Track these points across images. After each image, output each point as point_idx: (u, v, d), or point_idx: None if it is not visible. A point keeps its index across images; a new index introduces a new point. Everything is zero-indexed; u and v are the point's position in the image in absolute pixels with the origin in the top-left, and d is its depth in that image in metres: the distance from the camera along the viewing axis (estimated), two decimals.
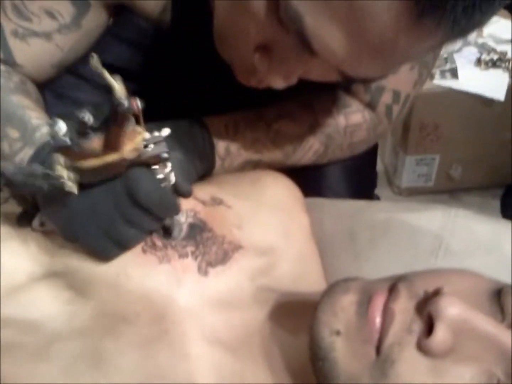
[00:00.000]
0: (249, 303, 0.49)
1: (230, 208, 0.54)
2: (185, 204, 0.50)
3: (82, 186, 0.43)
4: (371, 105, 0.67)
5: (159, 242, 0.48)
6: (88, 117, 0.38)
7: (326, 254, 0.60)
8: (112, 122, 0.39)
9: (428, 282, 0.39)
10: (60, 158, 0.41)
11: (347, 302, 0.39)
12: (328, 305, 0.40)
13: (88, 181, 0.43)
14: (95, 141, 0.40)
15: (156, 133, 0.45)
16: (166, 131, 0.46)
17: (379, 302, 0.38)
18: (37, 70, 0.62)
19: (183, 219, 0.50)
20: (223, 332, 0.46)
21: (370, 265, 0.58)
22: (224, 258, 0.49)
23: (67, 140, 0.39)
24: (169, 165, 0.47)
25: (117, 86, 0.37)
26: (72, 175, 0.41)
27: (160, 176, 0.46)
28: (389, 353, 0.36)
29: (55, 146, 0.40)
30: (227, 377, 0.44)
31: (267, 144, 0.62)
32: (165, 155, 0.45)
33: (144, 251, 0.47)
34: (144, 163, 0.45)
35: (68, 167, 0.41)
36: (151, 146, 0.44)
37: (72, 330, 0.43)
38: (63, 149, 0.40)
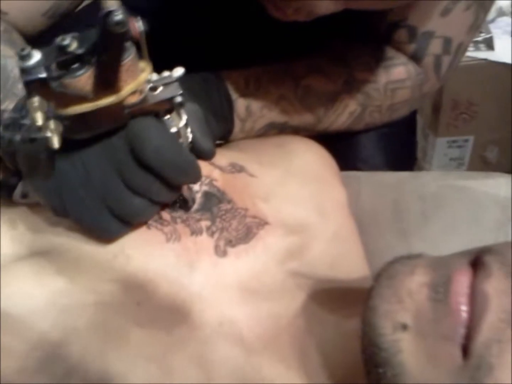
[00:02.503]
0: (278, 291, 0.42)
1: (254, 177, 0.48)
2: None
3: (69, 144, 0.34)
4: (416, 57, 0.59)
5: (166, 215, 0.41)
6: (71, 43, 0.30)
7: (366, 233, 0.53)
8: (104, 50, 0.30)
9: None
10: (35, 100, 0.32)
11: (416, 284, 0.30)
12: (389, 289, 0.31)
13: (77, 136, 0.35)
14: (84, 78, 0.31)
15: (166, 73, 0.37)
16: (179, 71, 0.37)
17: (463, 283, 0.29)
18: (24, 18, 0.54)
19: (196, 187, 0.43)
20: (247, 327, 0.40)
21: (422, 244, 0.51)
22: (246, 235, 0.43)
23: (42, 72, 0.30)
24: (184, 116, 0.38)
25: None
26: (53, 124, 0.32)
27: (174, 129, 0.38)
28: (484, 355, 0.27)
29: (26, 82, 0.31)
30: None
31: (295, 103, 0.55)
32: (179, 98, 0.36)
33: (148, 226, 0.41)
34: (152, 111, 0.36)
35: (48, 115, 0.32)
36: (160, 89, 0.36)
37: (63, 334, 0.35)
38: (39, 88, 0.31)
